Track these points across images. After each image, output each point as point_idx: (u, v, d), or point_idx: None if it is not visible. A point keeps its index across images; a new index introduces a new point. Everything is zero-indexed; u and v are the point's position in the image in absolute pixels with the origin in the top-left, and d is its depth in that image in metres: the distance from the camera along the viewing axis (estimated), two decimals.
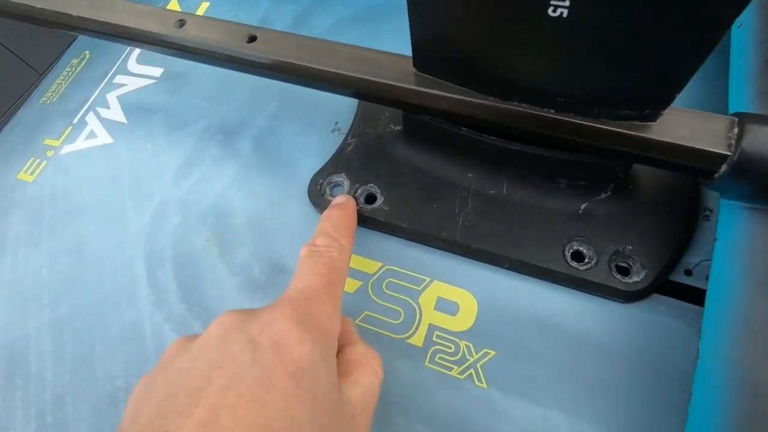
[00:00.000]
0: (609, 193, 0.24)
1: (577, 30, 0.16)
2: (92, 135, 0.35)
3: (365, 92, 0.24)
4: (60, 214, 0.32)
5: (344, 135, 0.30)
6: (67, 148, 0.35)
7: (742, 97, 0.22)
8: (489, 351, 0.23)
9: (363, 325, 0.25)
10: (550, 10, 0.16)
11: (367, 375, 0.19)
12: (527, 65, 0.19)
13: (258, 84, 0.34)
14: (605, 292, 0.23)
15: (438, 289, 0.25)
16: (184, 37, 0.26)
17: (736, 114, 0.19)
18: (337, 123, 0.31)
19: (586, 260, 0.24)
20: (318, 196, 0.28)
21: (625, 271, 0.23)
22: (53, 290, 0.29)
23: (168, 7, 0.40)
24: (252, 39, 0.25)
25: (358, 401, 0.18)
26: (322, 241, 0.22)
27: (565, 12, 0.16)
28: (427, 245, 0.26)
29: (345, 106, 0.31)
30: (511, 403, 0.22)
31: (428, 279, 0.25)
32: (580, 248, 0.24)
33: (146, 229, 0.30)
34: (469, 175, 0.26)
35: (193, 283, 0.28)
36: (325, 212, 0.25)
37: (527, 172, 0.25)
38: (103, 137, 0.34)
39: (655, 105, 0.19)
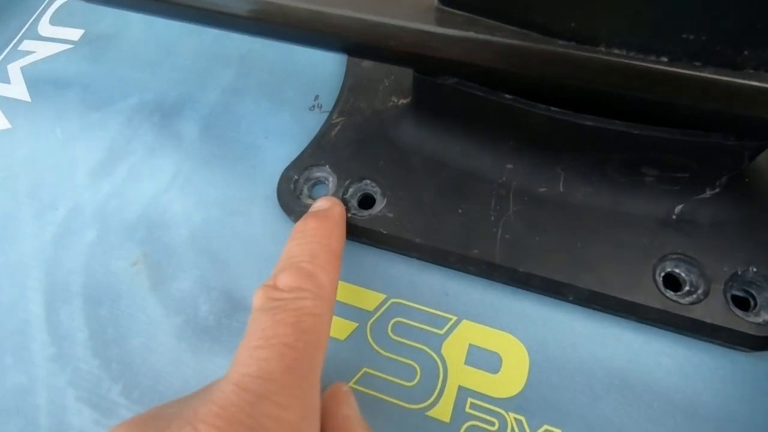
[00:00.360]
0: (718, 190, 0.17)
1: None
2: None
3: (363, 41, 0.16)
4: None
5: (327, 113, 0.22)
6: None
7: None
8: (551, 429, 0.16)
9: (359, 388, 0.17)
10: None
11: None
12: None
13: (210, 49, 0.26)
14: (720, 336, 0.16)
15: (470, 332, 0.17)
16: None
17: None
18: (317, 97, 0.23)
19: (688, 289, 0.16)
20: (292, 199, 0.20)
21: (745, 305, 0.16)
22: None
23: None
24: None
25: None
26: (286, 281, 0.14)
27: None
28: (451, 268, 0.18)
29: (328, 74, 0.23)
30: None
31: (455, 318, 0.17)
32: (677, 270, 0.16)
33: (48, 249, 0.21)
34: (509, 166, 0.18)
35: (111, 327, 0.19)
36: (297, 224, 0.17)
37: (597, 160, 0.17)
38: None
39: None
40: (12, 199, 0.23)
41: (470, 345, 0.17)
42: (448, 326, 0.17)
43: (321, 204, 0.18)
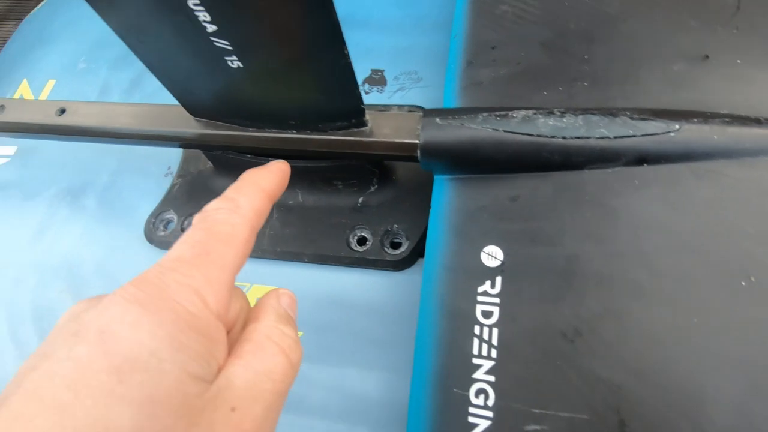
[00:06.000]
0: (377, 186, 0.30)
1: (256, 74, 0.22)
2: None
3: (160, 142, 0.29)
4: None
5: (173, 176, 0.34)
6: None
7: (450, 92, 0.28)
8: (298, 332, 0.28)
9: None
10: (229, 63, 0.21)
11: (266, 357, 0.16)
12: (252, 102, 0.24)
13: (99, 146, 0.38)
14: (380, 264, 0.29)
15: (256, 291, 0.30)
16: (4, 122, 0.30)
17: (422, 110, 0.25)
18: (169, 167, 0.36)
19: (368, 243, 0.29)
20: (153, 234, 0.32)
21: (397, 246, 0.29)
22: None
23: (19, 90, 0.44)
24: (62, 111, 0.30)
25: (244, 389, 0.15)
26: (212, 204, 0.18)
27: (239, 63, 0.21)
28: None
29: (176, 152, 0.36)
30: (318, 370, 0.27)
31: (248, 284, 0.30)
32: (363, 234, 0.29)
33: (6, 293, 0.33)
34: None
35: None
36: (244, 173, 0.21)
37: (312, 182, 0.30)
38: None
39: (353, 114, 0.24)
40: None
41: (256, 298, 0.29)
42: (245, 290, 0.30)
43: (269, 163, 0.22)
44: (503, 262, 0.22)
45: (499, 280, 0.22)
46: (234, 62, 0.21)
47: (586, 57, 0.26)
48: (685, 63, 0.24)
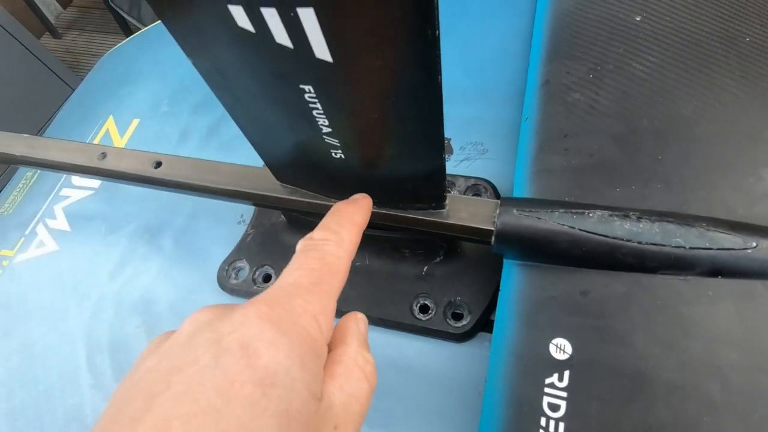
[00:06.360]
0: (442, 257, 0.31)
1: (356, 164, 0.23)
2: (41, 244, 0.41)
3: (248, 200, 0.31)
4: (12, 317, 0.37)
5: (247, 225, 0.37)
6: (20, 258, 0.41)
7: (522, 175, 0.30)
8: None
9: None
10: (333, 154, 0.23)
11: (353, 380, 0.17)
12: (342, 182, 0.26)
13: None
14: (442, 335, 0.30)
15: None
16: (105, 168, 0.33)
17: (500, 198, 0.27)
18: (242, 215, 0.38)
19: (430, 312, 0.30)
20: (225, 281, 0.34)
21: (459, 317, 0.30)
22: (8, 385, 0.34)
23: (105, 125, 0.48)
24: (158, 165, 0.33)
25: (341, 409, 0.16)
26: (319, 234, 0.20)
27: (342, 155, 0.23)
28: None
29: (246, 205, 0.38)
30: None
31: None
32: (426, 302, 0.31)
33: (86, 323, 0.35)
34: None
35: (126, 365, 0.33)
36: (336, 205, 0.23)
37: (381, 248, 0.32)
38: (51, 245, 0.41)
39: (435, 200, 0.26)
40: (62, 295, 0.37)
41: None
42: None
43: (355, 196, 0.25)
44: (572, 356, 0.23)
45: (567, 374, 0.23)
46: (337, 154, 0.23)
47: (659, 158, 0.27)
48: (761, 176, 0.25)
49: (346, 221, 0.22)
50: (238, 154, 0.38)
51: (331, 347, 0.19)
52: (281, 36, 0.16)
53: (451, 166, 0.36)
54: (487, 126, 0.37)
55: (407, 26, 0.15)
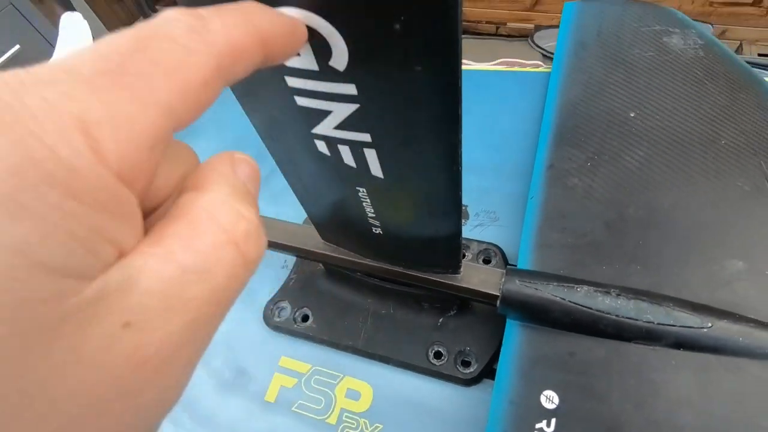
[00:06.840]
0: (455, 311, 0.37)
1: (392, 238, 0.30)
2: None
3: (295, 254, 0.37)
4: None
5: (290, 271, 0.43)
6: None
7: (526, 247, 0.35)
8: (378, 425, 0.35)
9: (293, 410, 0.36)
10: (373, 230, 0.29)
11: (202, 245, 0.11)
12: (377, 249, 0.32)
13: None
14: (453, 380, 0.35)
15: (348, 382, 0.37)
16: None
17: (506, 266, 0.32)
18: (285, 261, 0.44)
19: (443, 358, 0.36)
20: (270, 318, 0.40)
21: (467, 365, 0.35)
22: None
23: None
24: None
25: (153, 293, 0.10)
26: (170, 14, 0.11)
27: (381, 231, 0.29)
28: (341, 350, 0.38)
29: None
30: None
31: (341, 375, 0.37)
32: (440, 349, 0.36)
33: None
34: (369, 301, 0.39)
35: None
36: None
37: (404, 300, 0.38)
38: None
39: (452, 267, 0.32)
40: None
41: (348, 388, 0.36)
42: (339, 379, 0.37)
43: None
44: (558, 406, 0.28)
45: (554, 421, 0.28)
46: (377, 230, 0.29)
47: (641, 242, 0.33)
48: (724, 266, 0.30)
49: (232, 13, 0.12)
50: (285, 207, 0.45)
51: (157, 192, 0.12)
52: (348, 159, 0.22)
53: (467, 230, 0.42)
54: (499, 197, 0.44)
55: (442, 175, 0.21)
